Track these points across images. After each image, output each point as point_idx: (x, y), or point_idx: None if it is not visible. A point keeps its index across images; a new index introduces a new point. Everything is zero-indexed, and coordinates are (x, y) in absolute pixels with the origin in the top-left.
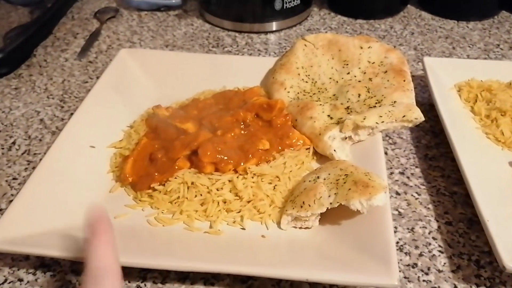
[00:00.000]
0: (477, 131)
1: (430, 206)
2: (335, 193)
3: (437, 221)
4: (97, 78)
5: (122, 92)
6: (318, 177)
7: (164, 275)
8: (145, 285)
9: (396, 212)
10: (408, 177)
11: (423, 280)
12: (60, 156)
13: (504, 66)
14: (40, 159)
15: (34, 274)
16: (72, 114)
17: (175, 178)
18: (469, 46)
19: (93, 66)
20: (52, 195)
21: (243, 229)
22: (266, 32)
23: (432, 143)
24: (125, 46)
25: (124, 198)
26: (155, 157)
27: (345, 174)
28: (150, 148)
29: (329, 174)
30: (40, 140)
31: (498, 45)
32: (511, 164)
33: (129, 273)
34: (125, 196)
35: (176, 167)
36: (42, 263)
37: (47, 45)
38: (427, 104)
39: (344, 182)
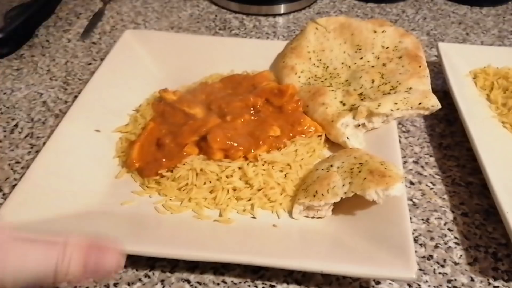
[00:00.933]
0: (493, 119)
1: (445, 196)
2: (349, 182)
3: (453, 212)
4: (101, 59)
5: (127, 75)
6: (331, 166)
7: (173, 264)
8: (153, 273)
9: (411, 203)
10: (422, 167)
11: (439, 273)
12: (64, 140)
13: None
14: (44, 143)
15: None
16: (76, 96)
17: (184, 164)
18: (483, 33)
19: (97, 47)
20: (57, 180)
21: (254, 218)
22: (274, 15)
23: (446, 132)
24: (129, 27)
25: (130, 184)
26: (162, 142)
27: (360, 163)
28: (157, 133)
29: (343, 162)
30: (43, 123)
31: None
32: None
33: (136, 261)
34: (131, 182)
35: (185, 153)
36: None
37: (49, 25)
38: (441, 91)
39: (359, 171)
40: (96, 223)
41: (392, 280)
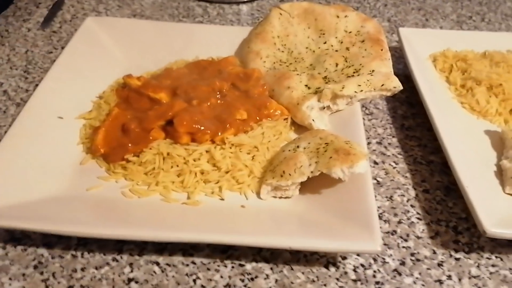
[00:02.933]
0: (452, 100)
1: (407, 174)
2: (315, 162)
3: (415, 189)
4: (62, 48)
5: (90, 62)
6: (298, 147)
7: (141, 247)
8: (121, 257)
9: (375, 181)
10: (385, 147)
11: (403, 247)
12: (26, 127)
13: (478, 36)
14: (5, 132)
15: (3, 248)
16: (37, 85)
17: (150, 149)
18: (442, 18)
19: (57, 36)
20: (20, 168)
21: (222, 199)
22: (238, 3)
23: (408, 113)
24: (90, 16)
25: (96, 170)
26: (128, 127)
27: (326, 143)
28: (122, 118)
29: (309, 143)
30: (4, 112)
31: (471, 17)
32: (487, 132)
33: (104, 245)
34: (97, 168)
35: (151, 138)
36: (12, 237)
37: (8, 15)
38: (402, 75)
39: (325, 151)
40: (62, 208)
41: (358, 255)
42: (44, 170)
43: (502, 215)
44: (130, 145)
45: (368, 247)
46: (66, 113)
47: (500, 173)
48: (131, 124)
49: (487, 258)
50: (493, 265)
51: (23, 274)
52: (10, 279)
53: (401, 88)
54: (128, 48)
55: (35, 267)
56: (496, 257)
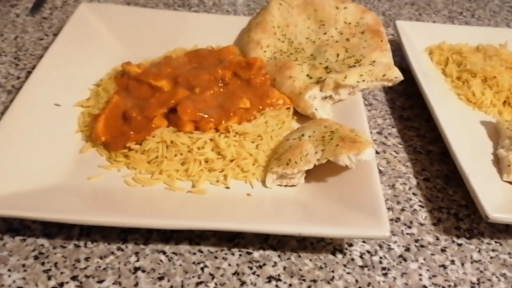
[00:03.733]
0: (449, 92)
1: (408, 163)
2: (321, 150)
3: (416, 177)
4: (54, 35)
5: (85, 49)
6: (302, 135)
7: (146, 236)
8: (126, 246)
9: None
10: (385, 137)
11: (407, 233)
12: (22, 114)
13: (471, 31)
14: None
15: (1, 239)
16: (29, 72)
17: (153, 137)
18: (434, 13)
19: (48, 22)
20: (18, 156)
21: (227, 188)
22: None
23: (406, 105)
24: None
25: (96, 159)
26: (129, 115)
27: (331, 131)
28: (122, 106)
29: (313, 131)
30: None
31: (461, 12)
32: (482, 123)
33: (108, 235)
34: (97, 156)
35: (153, 126)
36: (9, 228)
37: None
38: (399, 67)
39: (331, 139)
40: (63, 197)
41: (364, 242)
42: (42, 159)
43: (501, 201)
44: (132, 133)
45: (377, 232)
46: (62, 100)
47: (497, 161)
48: (133, 112)
49: (487, 243)
50: (493, 250)
51: (23, 265)
52: (9, 270)
53: (402, 78)
54: (124, 36)
55: (36, 257)
56: (495, 242)
